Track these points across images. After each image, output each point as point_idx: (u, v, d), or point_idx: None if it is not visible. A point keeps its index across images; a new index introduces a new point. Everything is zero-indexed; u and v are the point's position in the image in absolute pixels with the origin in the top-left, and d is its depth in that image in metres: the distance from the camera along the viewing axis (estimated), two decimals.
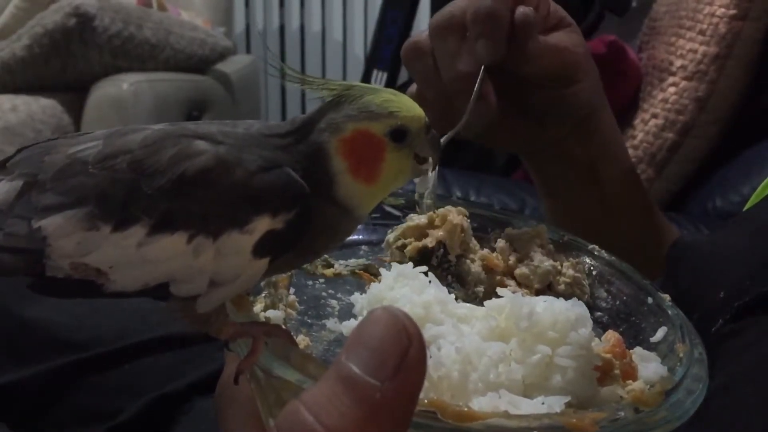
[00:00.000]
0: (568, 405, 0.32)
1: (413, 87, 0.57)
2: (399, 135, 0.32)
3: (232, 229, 0.30)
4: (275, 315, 0.37)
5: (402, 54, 0.55)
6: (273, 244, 0.30)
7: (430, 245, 0.42)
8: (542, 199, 0.65)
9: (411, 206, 0.46)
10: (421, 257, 0.42)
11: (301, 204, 0.31)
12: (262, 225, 0.30)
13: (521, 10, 0.51)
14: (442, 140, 0.49)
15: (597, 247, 0.44)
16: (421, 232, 0.43)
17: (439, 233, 0.42)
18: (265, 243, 0.30)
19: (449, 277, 0.42)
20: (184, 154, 0.30)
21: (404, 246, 0.43)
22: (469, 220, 0.44)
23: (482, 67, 0.51)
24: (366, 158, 0.32)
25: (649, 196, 0.65)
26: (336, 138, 0.32)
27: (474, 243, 0.43)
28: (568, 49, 0.54)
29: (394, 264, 0.39)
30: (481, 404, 0.31)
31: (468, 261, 0.42)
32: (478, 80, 0.51)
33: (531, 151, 0.61)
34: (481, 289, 0.42)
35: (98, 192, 0.30)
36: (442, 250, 0.42)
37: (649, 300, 0.40)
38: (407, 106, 0.33)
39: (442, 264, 0.42)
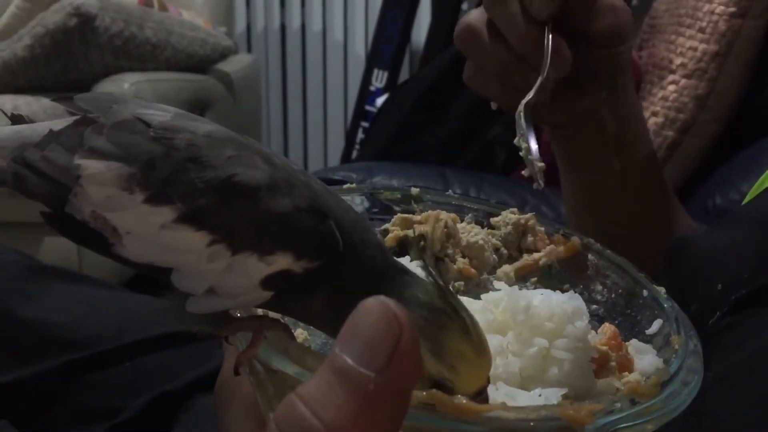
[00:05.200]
0: (565, 397, 0.32)
1: (469, 66, 0.57)
2: (441, 386, 0.29)
3: (253, 252, 0.29)
4: None
5: (456, 38, 0.56)
6: (283, 283, 0.30)
7: (411, 236, 0.42)
8: (562, 175, 0.65)
9: (407, 200, 0.46)
10: (401, 248, 0.42)
11: (328, 259, 0.29)
12: (282, 261, 0.29)
13: None
14: (528, 98, 0.51)
15: (592, 240, 0.44)
16: (408, 224, 0.43)
17: (423, 227, 0.42)
18: (277, 279, 0.29)
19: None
20: (242, 161, 0.29)
21: (387, 231, 0.43)
22: (466, 222, 0.44)
23: (549, 23, 0.52)
24: None
25: (669, 189, 0.66)
26: None
27: (455, 249, 0.43)
28: (623, 7, 0.55)
29: None
30: None
31: (447, 261, 0.42)
32: (547, 35, 0.51)
33: (565, 122, 0.61)
34: (461, 283, 0.42)
35: (148, 158, 0.29)
36: (423, 243, 0.42)
37: (644, 293, 0.40)
38: (474, 371, 0.29)
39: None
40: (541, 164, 0.49)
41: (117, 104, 0.31)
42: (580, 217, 0.65)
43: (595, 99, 0.58)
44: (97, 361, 0.62)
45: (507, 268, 0.44)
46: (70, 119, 0.31)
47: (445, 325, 0.29)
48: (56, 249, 1.60)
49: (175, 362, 0.63)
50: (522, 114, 0.51)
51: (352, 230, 0.31)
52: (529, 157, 0.49)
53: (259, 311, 0.36)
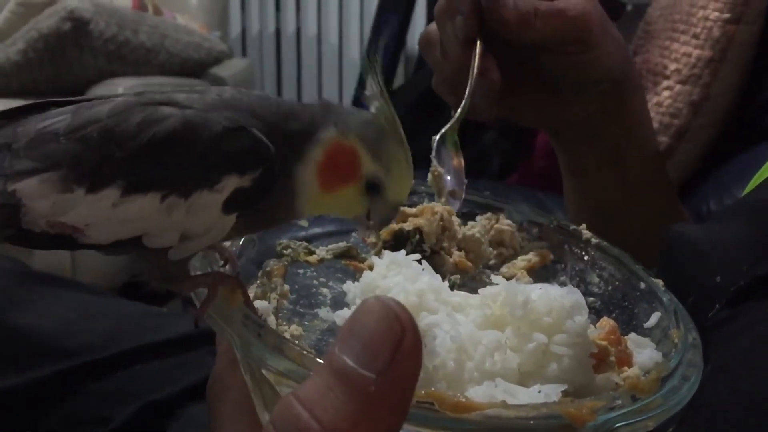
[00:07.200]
0: (565, 393, 0.31)
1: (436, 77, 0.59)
2: (374, 187, 0.33)
3: (203, 188, 0.31)
4: (262, 306, 0.36)
5: (419, 44, 0.58)
6: (241, 200, 0.32)
7: (406, 229, 0.42)
8: (565, 179, 0.65)
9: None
10: (396, 241, 0.42)
11: (267, 163, 0.32)
12: (231, 183, 0.31)
13: None
14: (452, 121, 0.51)
15: (589, 233, 0.44)
16: (403, 217, 0.43)
17: (419, 220, 0.42)
18: (234, 200, 0.31)
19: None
20: (151, 119, 0.31)
21: None
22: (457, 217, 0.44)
23: (477, 45, 0.51)
24: (337, 171, 0.32)
25: (671, 183, 0.65)
26: (337, 136, 0.32)
27: (450, 242, 0.43)
28: (574, 10, 0.53)
29: (386, 252, 0.39)
30: (477, 393, 0.31)
31: (443, 254, 0.42)
32: (474, 58, 0.51)
33: (558, 128, 0.61)
34: (457, 277, 0.42)
35: (71, 157, 0.31)
36: (418, 236, 0.42)
37: (642, 285, 0.39)
38: (405, 177, 0.33)
39: (416, 252, 0.41)
40: (455, 190, 0.47)
41: (20, 127, 0.33)
42: (581, 220, 0.64)
43: (584, 107, 0.57)
44: (88, 369, 0.61)
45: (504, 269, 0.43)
46: None
47: (386, 134, 0.32)
48: (49, 255, 1.59)
49: (166, 371, 0.62)
50: (440, 139, 0.50)
51: (273, 118, 0.32)
52: (444, 187, 0.46)
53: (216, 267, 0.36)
